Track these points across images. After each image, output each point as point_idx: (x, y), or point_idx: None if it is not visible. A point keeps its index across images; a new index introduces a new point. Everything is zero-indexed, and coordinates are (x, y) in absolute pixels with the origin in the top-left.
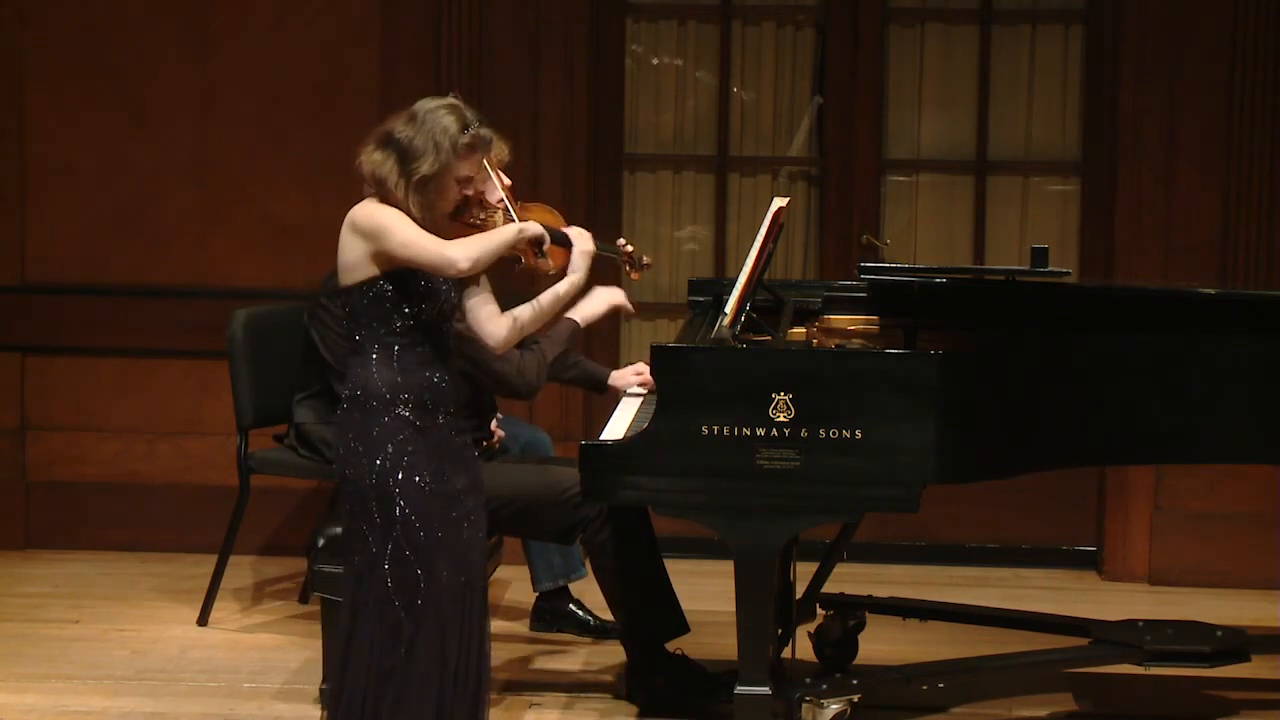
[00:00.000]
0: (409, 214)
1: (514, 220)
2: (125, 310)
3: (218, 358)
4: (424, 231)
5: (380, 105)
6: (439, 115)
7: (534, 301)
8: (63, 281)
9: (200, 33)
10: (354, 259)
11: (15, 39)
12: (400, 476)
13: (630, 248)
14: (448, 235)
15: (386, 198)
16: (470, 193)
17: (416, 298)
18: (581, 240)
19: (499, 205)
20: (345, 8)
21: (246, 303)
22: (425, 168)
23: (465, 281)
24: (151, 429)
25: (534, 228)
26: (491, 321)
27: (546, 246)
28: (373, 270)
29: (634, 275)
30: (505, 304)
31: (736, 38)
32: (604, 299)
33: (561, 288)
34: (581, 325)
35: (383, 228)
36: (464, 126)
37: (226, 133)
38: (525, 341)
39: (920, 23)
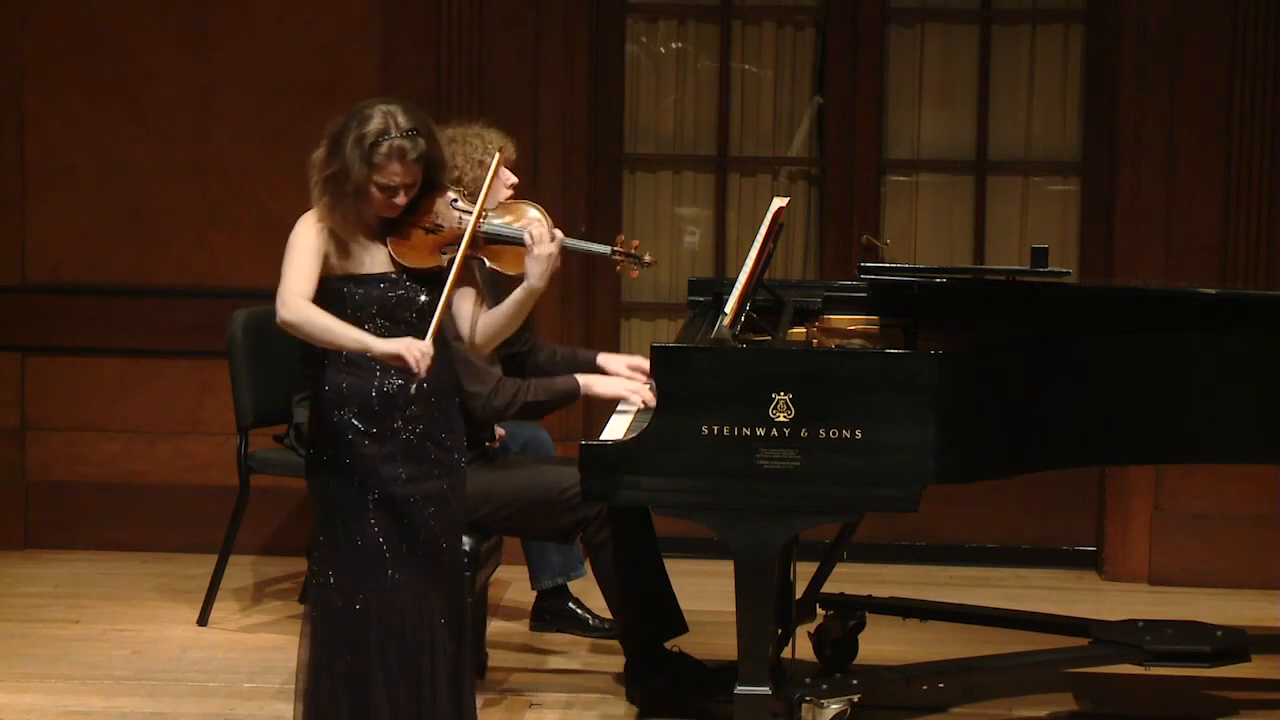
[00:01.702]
0: (323, 206)
1: (471, 233)
2: (125, 310)
3: (218, 358)
4: (301, 261)
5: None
6: (367, 115)
7: (492, 311)
8: (63, 281)
9: (200, 32)
10: None
11: (15, 39)
12: (339, 478)
13: (635, 243)
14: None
15: (315, 189)
16: (399, 201)
17: (348, 306)
18: (539, 244)
19: (459, 219)
20: (345, 8)
21: (246, 303)
22: (334, 166)
23: (451, 284)
24: (151, 429)
25: (394, 347)
26: (471, 327)
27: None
28: None
29: (632, 274)
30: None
31: (736, 37)
32: (619, 387)
33: (517, 295)
34: (582, 393)
35: (287, 246)
36: (383, 133)
37: (226, 132)
38: (526, 367)
39: (920, 23)
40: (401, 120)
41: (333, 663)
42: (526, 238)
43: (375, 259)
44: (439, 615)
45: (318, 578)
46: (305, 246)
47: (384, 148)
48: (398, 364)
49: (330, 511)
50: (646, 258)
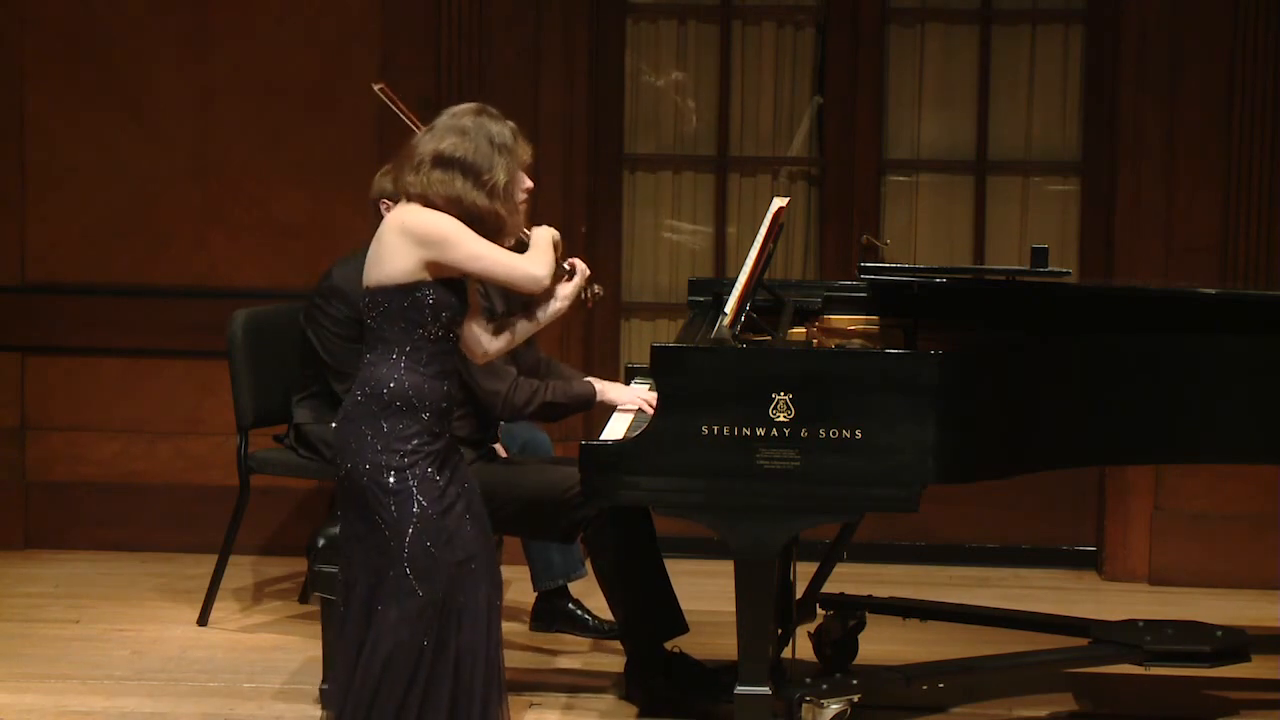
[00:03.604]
0: (497, 223)
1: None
2: (125, 310)
3: (218, 358)
4: (491, 243)
5: (380, 105)
6: (483, 122)
7: (514, 321)
8: (63, 281)
9: (200, 32)
10: (404, 263)
11: (15, 39)
12: (418, 472)
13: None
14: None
15: (461, 212)
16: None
17: (454, 307)
18: (580, 270)
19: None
20: (345, 8)
21: (246, 303)
22: (501, 175)
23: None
24: (151, 429)
25: (555, 232)
26: (485, 334)
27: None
28: (422, 275)
29: (589, 303)
30: None
31: (736, 38)
32: (633, 395)
33: (544, 314)
34: (598, 400)
35: (446, 238)
36: (504, 125)
37: (226, 133)
38: (539, 369)
39: (920, 23)
40: (493, 110)
41: (405, 654)
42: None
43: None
44: (483, 596)
45: (387, 568)
46: (468, 229)
47: (513, 135)
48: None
49: (404, 505)
50: (596, 288)
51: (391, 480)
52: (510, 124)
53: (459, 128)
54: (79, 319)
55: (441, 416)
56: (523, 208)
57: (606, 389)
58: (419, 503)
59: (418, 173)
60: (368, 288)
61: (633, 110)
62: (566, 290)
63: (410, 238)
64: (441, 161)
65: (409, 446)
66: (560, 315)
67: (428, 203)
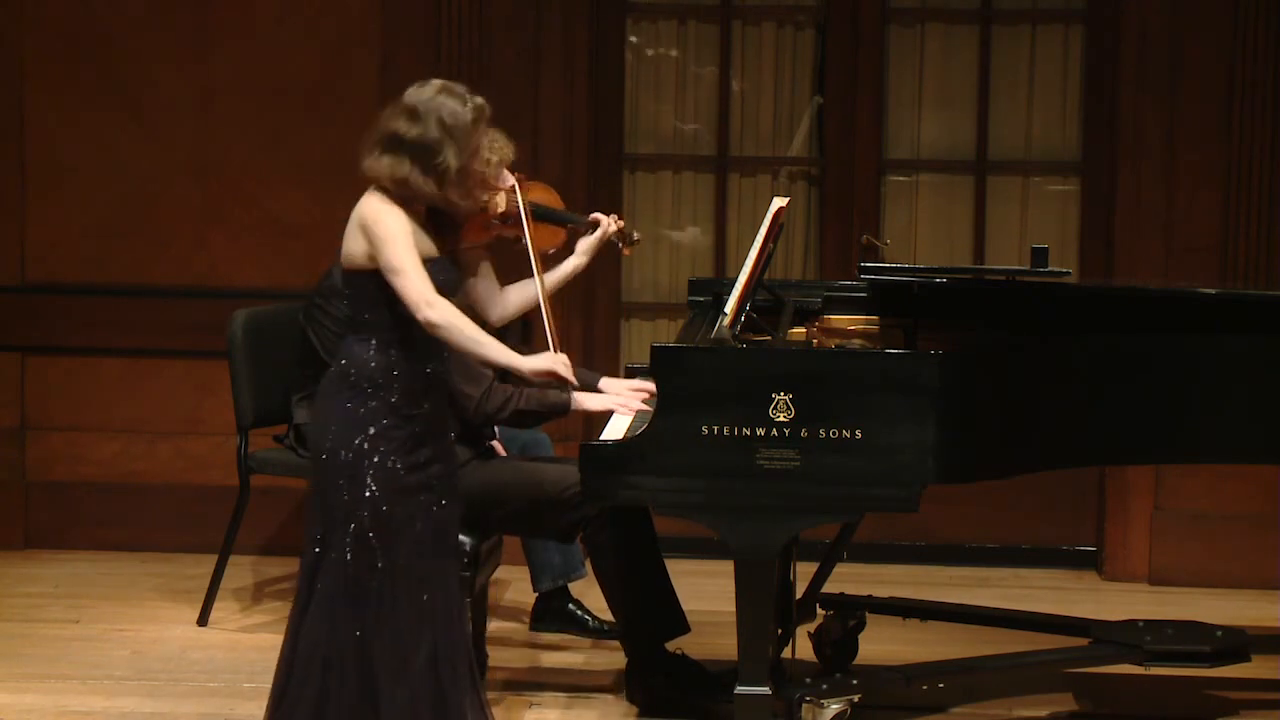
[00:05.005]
0: (446, 206)
1: (519, 204)
2: (125, 310)
3: (218, 358)
4: (416, 261)
5: (380, 105)
6: (440, 102)
7: (529, 283)
8: (63, 281)
9: (200, 33)
10: (359, 250)
11: (15, 39)
12: (375, 460)
13: (622, 223)
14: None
15: (410, 197)
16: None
17: (437, 286)
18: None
19: (509, 190)
20: (345, 8)
21: (246, 303)
22: (453, 160)
23: (467, 269)
24: (151, 429)
25: (543, 364)
26: (490, 301)
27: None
28: (374, 264)
29: (625, 251)
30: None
31: (736, 38)
32: (610, 402)
33: (556, 275)
34: (573, 408)
35: (380, 242)
36: (464, 103)
37: (226, 133)
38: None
39: (920, 23)
40: (459, 87)
41: (334, 642)
42: (606, 220)
43: (429, 242)
44: (449, 594)
45: (330, 550)
46: (406, 233)
47: (471, 115)
48: (549, 378)
49: (355, 488)
50: (635, 235)
51: (348, 459)
52: (475, 100)
53: (410, 108)
54: (79, 319)
55: (411, 396)
56: (498, 196)
57: (581, 398)
58: (370, 490)
59: (370, 155)
60: (344, 270)
61: (633, 110)
62: (582, 246)
63: (360, 228)
64: (391, 144)
65: (371, 430)
66: (579, 271)
67: (381, 187)
